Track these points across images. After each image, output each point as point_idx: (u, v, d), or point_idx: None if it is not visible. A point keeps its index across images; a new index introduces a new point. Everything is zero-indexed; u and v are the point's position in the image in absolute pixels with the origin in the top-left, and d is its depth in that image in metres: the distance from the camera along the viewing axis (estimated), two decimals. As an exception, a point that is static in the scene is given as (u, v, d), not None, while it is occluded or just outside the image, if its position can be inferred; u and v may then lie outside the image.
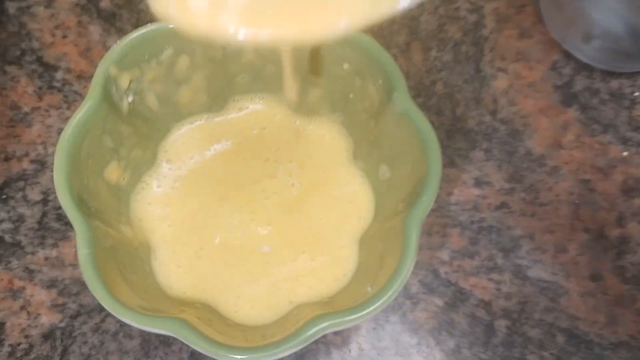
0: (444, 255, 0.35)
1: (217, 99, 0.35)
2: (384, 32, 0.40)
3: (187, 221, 0.33)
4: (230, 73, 0.34)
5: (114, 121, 0.30)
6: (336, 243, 0.33)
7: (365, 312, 0.26)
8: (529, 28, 0.40)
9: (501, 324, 0.34)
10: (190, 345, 0.25)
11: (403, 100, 0.29)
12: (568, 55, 0.39)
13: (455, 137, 0.38)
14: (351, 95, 0.33)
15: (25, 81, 0.38)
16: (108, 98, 0.29)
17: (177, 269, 0.32)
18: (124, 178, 0.32)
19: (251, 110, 0.36)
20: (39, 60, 0.39)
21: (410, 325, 0.34)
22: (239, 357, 0.25)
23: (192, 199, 0.34)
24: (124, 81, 0.30)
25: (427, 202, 0.27)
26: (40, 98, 0.38)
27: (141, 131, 0.33)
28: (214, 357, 0.25)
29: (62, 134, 0.28)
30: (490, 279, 0.35)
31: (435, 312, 0.34)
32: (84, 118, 0.28)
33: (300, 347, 0.26)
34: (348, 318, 0.26)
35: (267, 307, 0.32)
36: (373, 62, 0.30)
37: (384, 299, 0.26)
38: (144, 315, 0.25)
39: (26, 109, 0.38)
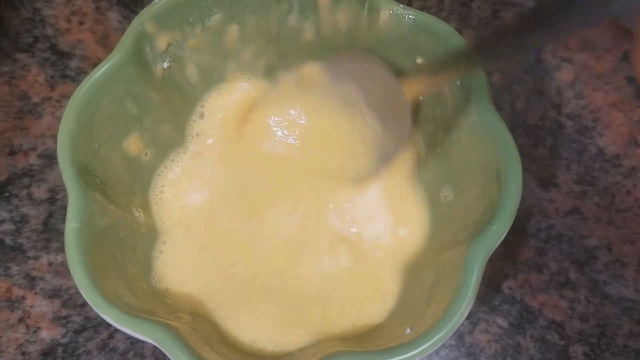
0: (507, 267, 0.31)
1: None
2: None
3: (212, 219, 0.29)
4: (283, 52, 0.29)
5: (142, 85, 0.26)
6: (375, 270, 0.28)
7: (398, 358, 0.20)
8: (595, 15, 0.36)
9: (578, 351, 0.29)
10: None
11: (482, 105, 0.24)
12: (642, 44, 0.34)
13: (516, 132, 0.33)
14: (420, 98, 0.28)
15: (37, 70, 0.35)
16: (139, 57, 0.25)
17: (187, 269, 0.27)
18: (146, 154, 0.28)
19: None
20: (53, 48, 0.36)
21: (468, 349, 0.29)
22: None
23: (225, 196, 0.29)
24: (162, 42, 0.26)
25: (497, 233, 0.22)
26: (52, 88, 0.35)
27: (174, 104, 0.28)
28: None
29: (79, 88, 0.24)
30: (563, 296, 0.30)
31: (499, 335, 0.30)
32: (107, 73, 0.24)
33: None
34: None
35: (278, 335, 0.26)
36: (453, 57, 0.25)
37: (424, 346, 0.20)
38: (126, 314, 0.21)
39: (36, 99, 0.34)
